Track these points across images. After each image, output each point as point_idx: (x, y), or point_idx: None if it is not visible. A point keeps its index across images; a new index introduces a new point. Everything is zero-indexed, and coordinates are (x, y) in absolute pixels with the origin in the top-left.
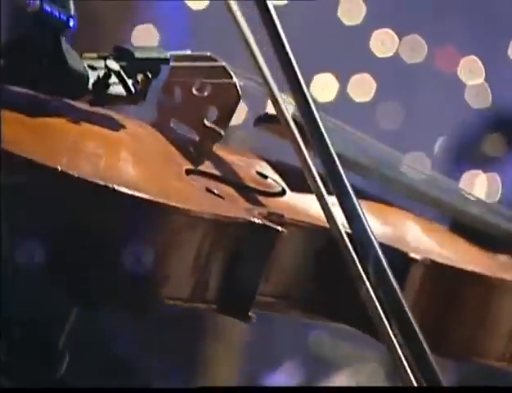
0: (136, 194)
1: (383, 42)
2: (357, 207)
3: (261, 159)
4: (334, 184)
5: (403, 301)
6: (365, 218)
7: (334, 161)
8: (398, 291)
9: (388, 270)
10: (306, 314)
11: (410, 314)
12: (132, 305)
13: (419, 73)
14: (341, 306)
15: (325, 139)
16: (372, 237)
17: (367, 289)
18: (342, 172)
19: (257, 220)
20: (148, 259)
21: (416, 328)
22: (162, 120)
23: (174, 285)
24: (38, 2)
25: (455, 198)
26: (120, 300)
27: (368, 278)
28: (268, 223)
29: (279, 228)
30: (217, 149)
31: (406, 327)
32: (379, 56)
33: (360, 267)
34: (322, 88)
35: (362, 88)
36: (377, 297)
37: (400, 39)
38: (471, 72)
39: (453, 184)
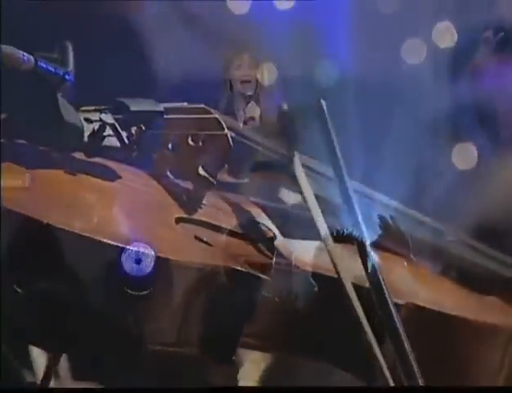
0: (125, 247)
1: None
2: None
3: (253, 204)
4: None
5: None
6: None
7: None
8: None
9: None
10: (289, 354)
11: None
12: (118, 354)
13: None
14: (325, 345)
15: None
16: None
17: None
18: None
19: (241, 268)
20: (135, 307)
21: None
22: (159, 170)
23: (160, 331)
24: (32, 60)
25: (442, 241)
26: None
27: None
28: (252, 272)
29: (263, 276)
30: (211, 196)
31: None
32: None
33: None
34: None
35: None
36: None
37: None
38: None
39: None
